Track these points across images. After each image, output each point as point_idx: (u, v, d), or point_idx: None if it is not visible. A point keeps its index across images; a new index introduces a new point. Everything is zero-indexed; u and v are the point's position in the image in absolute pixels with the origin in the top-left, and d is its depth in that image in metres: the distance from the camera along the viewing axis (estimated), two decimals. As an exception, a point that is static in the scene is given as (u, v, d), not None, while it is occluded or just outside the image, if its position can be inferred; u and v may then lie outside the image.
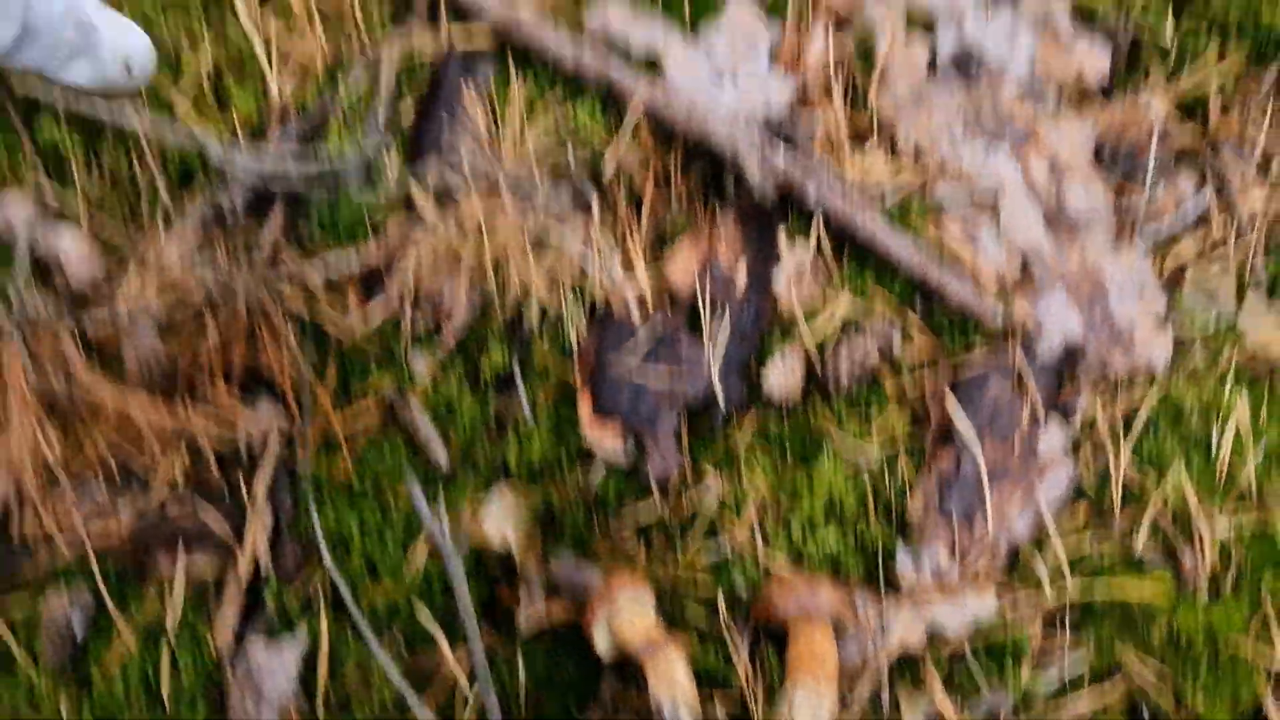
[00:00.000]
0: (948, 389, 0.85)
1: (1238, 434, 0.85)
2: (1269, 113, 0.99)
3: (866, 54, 0.97)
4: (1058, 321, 0.88)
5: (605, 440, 0.83)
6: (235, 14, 0.95)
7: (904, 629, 0.78)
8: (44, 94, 0.88)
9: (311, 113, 0.93)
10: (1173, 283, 0.92)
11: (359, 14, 0.97)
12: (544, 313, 0.88)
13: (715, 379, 0.85)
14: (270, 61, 0.95)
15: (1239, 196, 0.96)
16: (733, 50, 0.95)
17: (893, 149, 0.95)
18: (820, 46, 0.97)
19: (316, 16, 0.97)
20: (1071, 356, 0.87)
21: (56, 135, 0.89)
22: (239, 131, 0.91)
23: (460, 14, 0.96)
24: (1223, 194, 0.96)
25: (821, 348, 0.87)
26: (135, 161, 0.89)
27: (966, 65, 0.96)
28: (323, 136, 0.93)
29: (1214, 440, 0.86)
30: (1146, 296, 0.90)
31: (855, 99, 0.97)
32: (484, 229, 0.87)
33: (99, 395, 0.75)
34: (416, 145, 0.93)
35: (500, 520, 0.80)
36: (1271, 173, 0.97)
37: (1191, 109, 0.99)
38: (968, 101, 0.95)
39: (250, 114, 0.93)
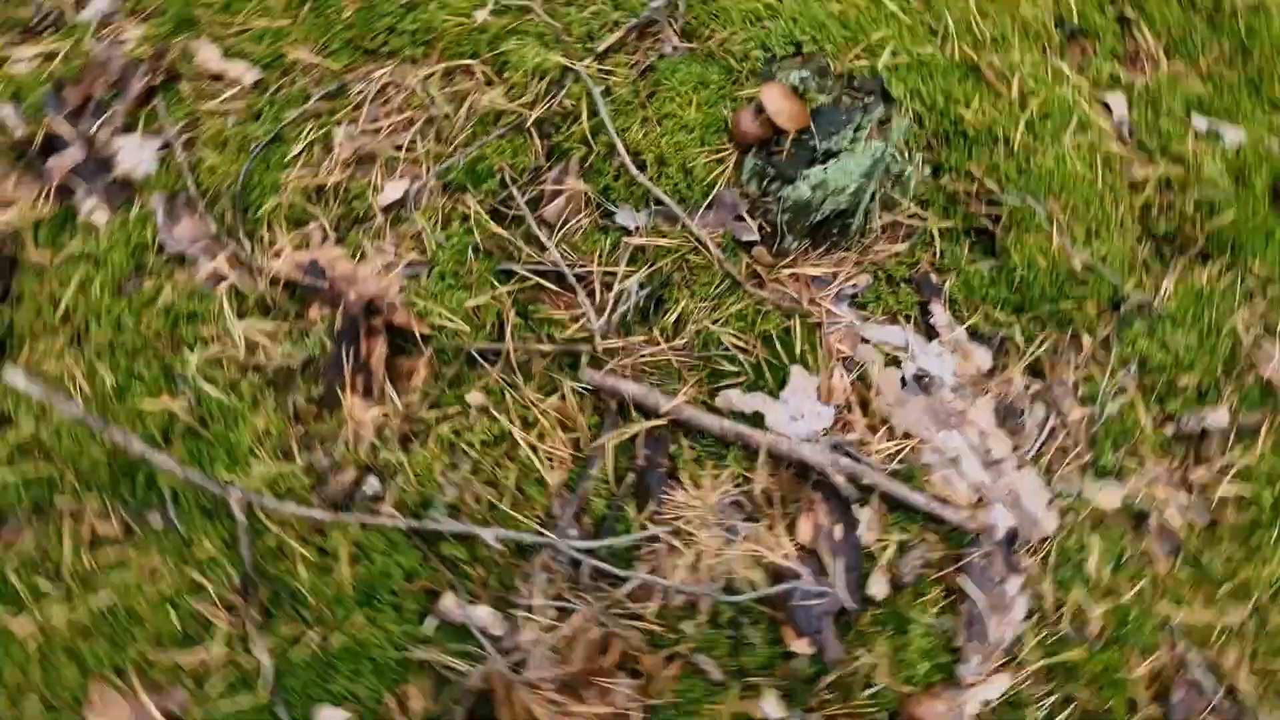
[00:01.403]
0: (958, 570, 1.62)
1: (1097, 557, 1.66)
2: (1072, 362, 1.80)
3: (864, 379, 1.71)
4: (1002, 520, 1.65)
5: (802, 647, 1.54)
6: (516, 440, 1.58)
7: (972, 705, 1.54)
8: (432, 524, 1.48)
9: (576, 492, 1.58)
10: (1049, 476, 1.72)
11: (582, 419, 1.61)
12: (747, 580, 1.57)
13: (844, 596, 1.58)
14: (540, 463, 1.58)
15: (1069, 415, 1.76)
16: (797, 400, 1.66)
17: (892, 434, 1.69)
18: (839, 381, 1.70)
19: (559, 428, 1.60)
20: (1012, 536, 1.65)
21: (449, 550, 1.49)
22: (541, 515, 1.55)
23: (644, 411, 1.62)
24: (1060, 415, 1.77)
25: (891, 564, 1.61)
26: (495, 553, 1.51)
27: (921, 379, 1.71)
28: (588, 506, 1.57)
29: (1085, 558, 1.66)
30: (1039, 493, 1.69)
31: (866, 408, 1.70)
32: (699, 547, 1.55)
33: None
34: (641, 499, 1.59)
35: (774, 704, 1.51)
36: (1081, 394, 1.79)
37: (1038, 370, 1.79)
38: (927, 401, 1.70)
39: (541, 500, 1.56)
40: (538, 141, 1.72)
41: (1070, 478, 1.72)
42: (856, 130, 1.71)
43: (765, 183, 1.70)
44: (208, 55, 1.73)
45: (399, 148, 1.72)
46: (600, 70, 1.74)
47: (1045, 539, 1.67)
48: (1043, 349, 1.78)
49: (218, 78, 1.72)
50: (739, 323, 1.66)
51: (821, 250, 1.77)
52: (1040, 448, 1.73)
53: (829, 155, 1.70)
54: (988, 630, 1.59)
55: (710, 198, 1.70)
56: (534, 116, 1.71)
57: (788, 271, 1.75)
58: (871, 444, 1.67)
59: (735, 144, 1.71)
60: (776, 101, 1.65)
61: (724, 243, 1.69)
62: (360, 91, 1.74)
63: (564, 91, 1.72)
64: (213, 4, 1.76)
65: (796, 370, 1.67)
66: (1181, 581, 1.70)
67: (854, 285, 1.76)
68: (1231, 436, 1.78)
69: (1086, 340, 1.81)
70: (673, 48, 1.76)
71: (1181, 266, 1.88)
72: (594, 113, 1.70)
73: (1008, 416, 1.73)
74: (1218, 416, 1.79)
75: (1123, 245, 1.83)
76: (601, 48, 1.75)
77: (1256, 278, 1.87)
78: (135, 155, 1.65)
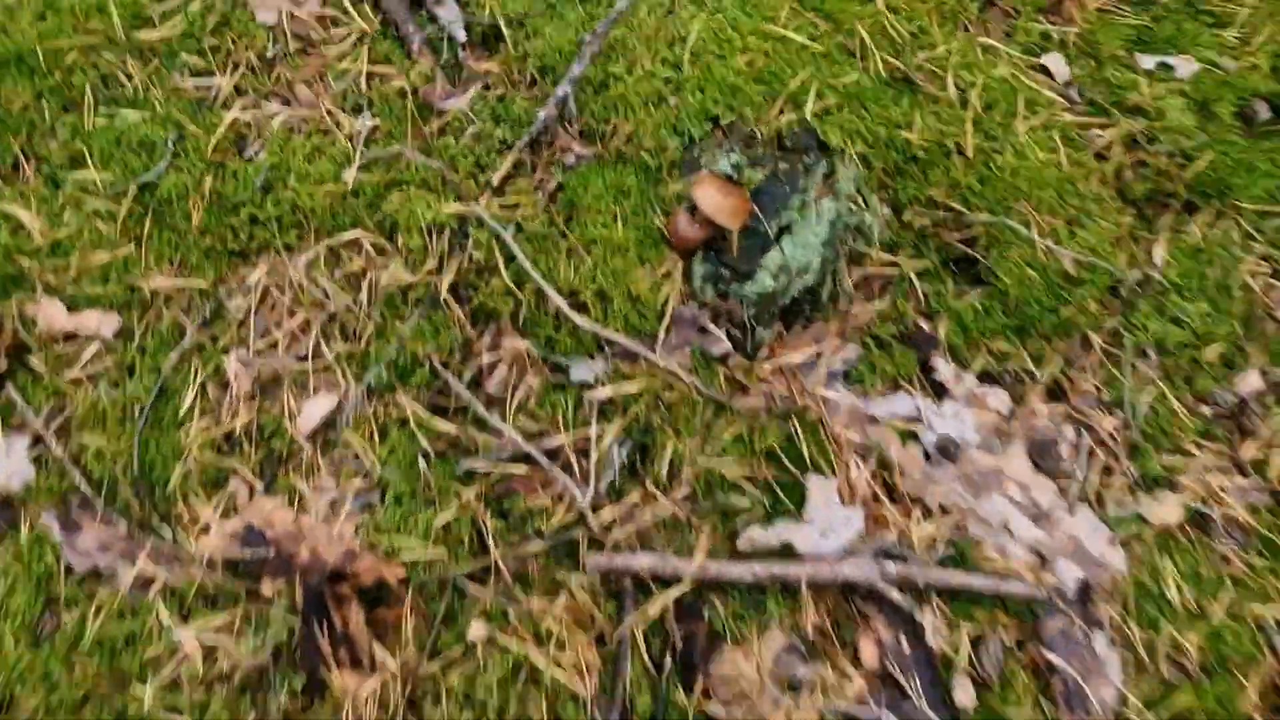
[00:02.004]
0: (1040, 646, 1.48)
1: (1175, 580, 1.54)
2: (1089, 369, 1.65)
3: (883, 463, 1.54)
4: (1069, 573, 1.51)
5: (904, 788, 1.40)
6: (534, 663, 1.39)
7: (1095, 792, 1.42)
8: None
9: (615, 696, 1.40)
10: (1102, 508, 1.58)
11: (598, 612, 1.43)
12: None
13: (930, 713, 1.43)
14: (568, 679, 1.39)
15: (1102, 427, 1.62)
16: (822, 512, 1.49)
17: (928, 513, 1.53)
18: (857, 475, 1.53)
19: (576, 629, 1.42)
20: (1084, 588, 1.51)
21: (501, 815, 1.32)
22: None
23: (663, 581, 1.44)
24: (1093, 432, 1.62)
25: (970, 661, 1.46)
26: None
27: (944, 447, 1.55)
28: (633, 705, 1.40)
29: (1163, 586, 1.54)
30: (1098, 531, 1.55)
31: (894, 494, 1.54)
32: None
33: None
34: (687, 678, 1.42)
35: None
36: (1107, 400, 1.64)
37: (1057, 390, 1.63)
38: (956, 469, 1.54)
39: (582, 719, 1.38)
40: (458, 309, 1.49)
41: (1123, 500, 1.58)
42: (804, 195, 1.51)
43: (722, 285, 1.50)
44: (52, 314, 1.46)
45: (303, 359, 1.48)
46: (503, 206, 1.51)
47: (1117, 579, 1.53)
48: (1056, 366, 1.63)
49: (72, 337, 1.46)
50: (737, 448, 1.48)
51: (798, 329, 1.58)
52: (1084, 475, 1.58)
53: (782, 232, 1.50)
54: (1088, 700, 1.46)
55: (666, 320, 1.49)
56: (446, 282, 1.48)
57: (769, 365, 1.56)
58: (911, 532, 1.51)
59: (677, 251, 1.50)
60: (712, 199, 1.44)
61: (695, 364, 1.49)
62: (240, 305, 1.49)
63: (469, 241, 1.49)
64: (38, 250, 1.49)
65: (812, 480, 1.49)
66: (1260, 571, 1.58)
67: (843, 360, 1.58)
68: (1270, 399, 1.65)
69: (1097, 340, 1.65)
70: (576, 157, 1.53)
71: (1170, 226, 1.73)
72: (510, 258, 1.48)
73: (1043, 454, 1.58)
74: (1250, 381, 1.65)
75: (1106, 225, 1.67)
76: (497, 179, 1.52)
77: (1249, 216, 1.72)
78: (3, 464, 1.40)
